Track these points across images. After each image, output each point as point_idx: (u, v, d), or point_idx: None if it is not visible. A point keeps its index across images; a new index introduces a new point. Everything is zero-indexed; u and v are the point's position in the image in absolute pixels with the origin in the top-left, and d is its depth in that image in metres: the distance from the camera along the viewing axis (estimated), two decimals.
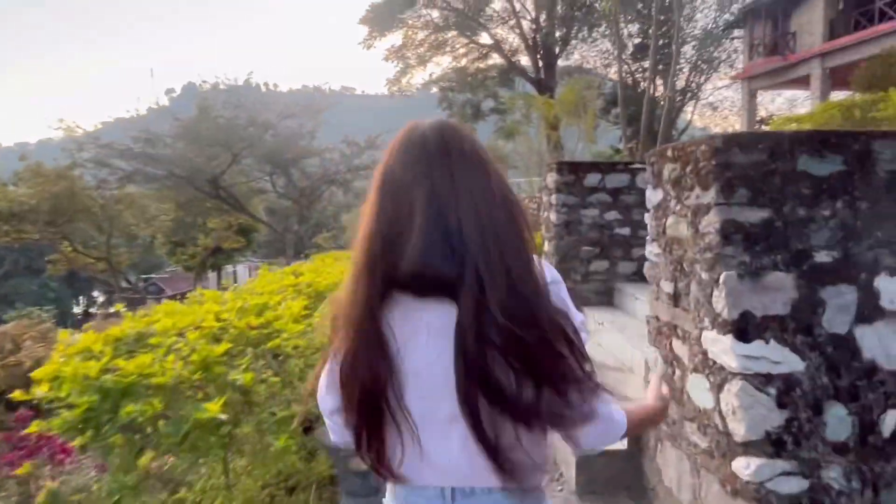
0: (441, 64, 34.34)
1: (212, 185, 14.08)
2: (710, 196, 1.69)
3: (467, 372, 0.82)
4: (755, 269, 1.61)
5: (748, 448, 1.59)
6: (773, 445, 1.57)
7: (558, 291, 0.91)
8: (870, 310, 1.59)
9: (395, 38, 26.91)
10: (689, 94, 24.14)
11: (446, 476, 0.89)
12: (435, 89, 30.64)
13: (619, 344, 3.76)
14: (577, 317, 0.92)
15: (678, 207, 1.95)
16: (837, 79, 13.96)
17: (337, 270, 6.94)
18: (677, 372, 2.06)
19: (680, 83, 22.65)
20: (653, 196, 2.22)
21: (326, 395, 0.95)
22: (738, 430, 1.59)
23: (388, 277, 0.85)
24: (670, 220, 2.01)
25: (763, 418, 1.57)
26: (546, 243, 5.05)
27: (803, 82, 15.80)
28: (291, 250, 16.87)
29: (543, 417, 0.85)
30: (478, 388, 0.82)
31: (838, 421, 1.58)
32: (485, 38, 27.72)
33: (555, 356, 0.83)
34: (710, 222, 1.69)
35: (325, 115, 16.80)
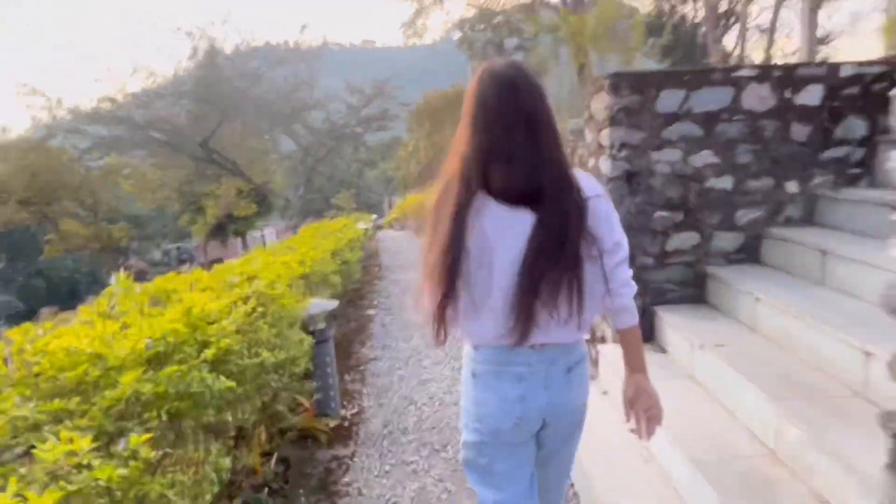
0: (459, 0, 31.55)
1: (203, 149, 12.61)
2: None
3: (537, 256, 1.20)
4: None
5: None
6: None
7: (595, 207, 1.26)
8: None
9: None
10: (733, 18, 21.40)
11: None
12: (453, 30, 28.20)
13: (742, 403, 2.07)
14: (610, 237, 1.30)
15: None
16: None
17: (326, 244, 5.42)
18: None
19: (722, 5, 19.96)
20: None
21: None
22: None
23: (482, 187, 1.22)
24: None
25: None
26: None
27: None
28: (297, 215, 15.42)
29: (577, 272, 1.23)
30: (544, 266, 1.20)
31: None
32: None
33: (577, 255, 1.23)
34: None
35: (343, 69, 15.00)
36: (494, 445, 1.38)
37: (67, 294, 40.01)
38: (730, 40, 22.28)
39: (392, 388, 3.88)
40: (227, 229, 33.54)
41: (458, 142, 1.27)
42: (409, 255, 10.84)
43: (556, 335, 1.29)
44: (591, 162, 3.20)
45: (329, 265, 4.42)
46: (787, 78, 2.85)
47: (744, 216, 2.93)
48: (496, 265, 1.23)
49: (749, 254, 2.96)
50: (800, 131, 2.87)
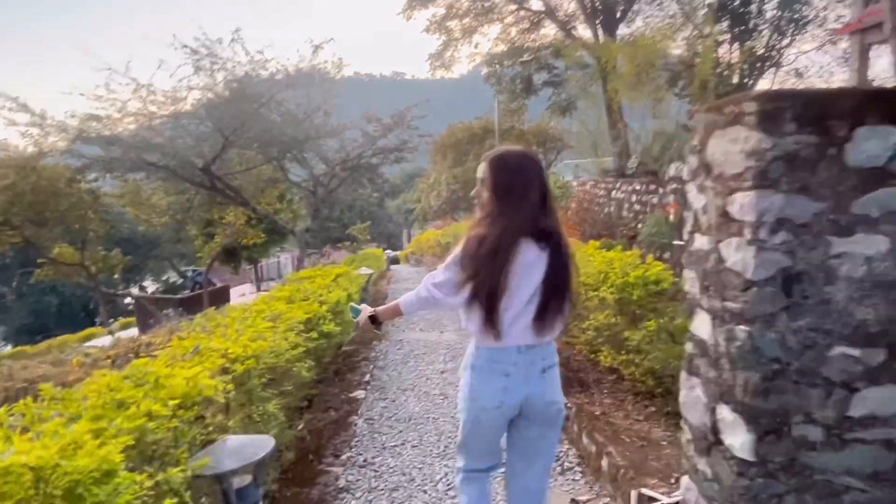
0: (488, 35, 31.12)
1: (206, 174, 11.64)
2: None
3: (553, 281, 1.87)
4: None
5: None
6: None
7: None
8: None
9: (437, 8, 24.12)
10: (768, 61, 20.26)
11: (521, 338, 1.88)
12: (481, 65, 27.71)
13: None
14: None
15: None
16: None
17: (295, 313, 4.12)
18: None
19: (759, 48, 18.89)
20: None
21: (444, 281, 1.93)
22: None
23: (517, 231, 1.83)
24: None
25: None
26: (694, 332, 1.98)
27: None
28: (313, 243, 14.28)
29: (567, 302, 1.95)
30: (553, 289, 1.88)
31: None
32: (536, 4, 24.63)
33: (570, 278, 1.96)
34: None
35: (369, 99, 14.14)
36: (479, 426, 1.97)
37: (82, 311, 39.51)
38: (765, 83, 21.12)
39: None
40: (240, 255, 32.80)
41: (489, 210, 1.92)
42: None
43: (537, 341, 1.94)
44: (703, 242, 1.88)
45: (289, 351, 3.15)
46: None
47: None
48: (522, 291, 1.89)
49: None
50: None
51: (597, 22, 22.05)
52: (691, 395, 1.95)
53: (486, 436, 1.97)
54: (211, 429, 2.11)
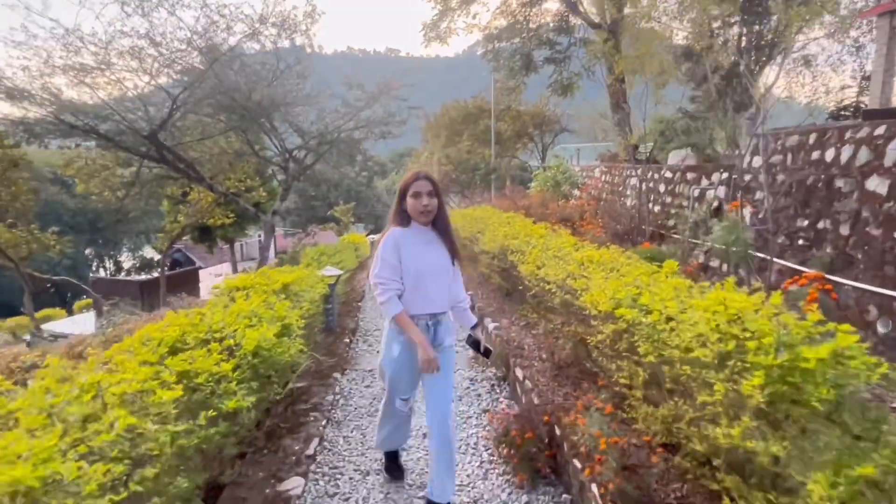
0: (488, 5, 28.95)
1: (152, 143, 9.70)
2: None
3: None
4: None
5: None
6: None
7: None
8: None
9: None
10: (776, 48, 18.58)
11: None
12: (475, 46, 25.75)
13: None
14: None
15: None
16: None
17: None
18: None
19: (767, 34, 17.21)
20: None
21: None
22: None
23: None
24: None
25: None
26: None
27: None
28: (267, 232, 12.38)
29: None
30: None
31: None
32: None
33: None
34: None
35: (364, 77, 12.19)
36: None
37: (51, 290, 37.09)
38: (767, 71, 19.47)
39: None
40: (214, 234, 30.65)
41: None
42: None
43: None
44: None
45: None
46: None
47: None
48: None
49: None
50: None
51: None
52: None
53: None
54: None
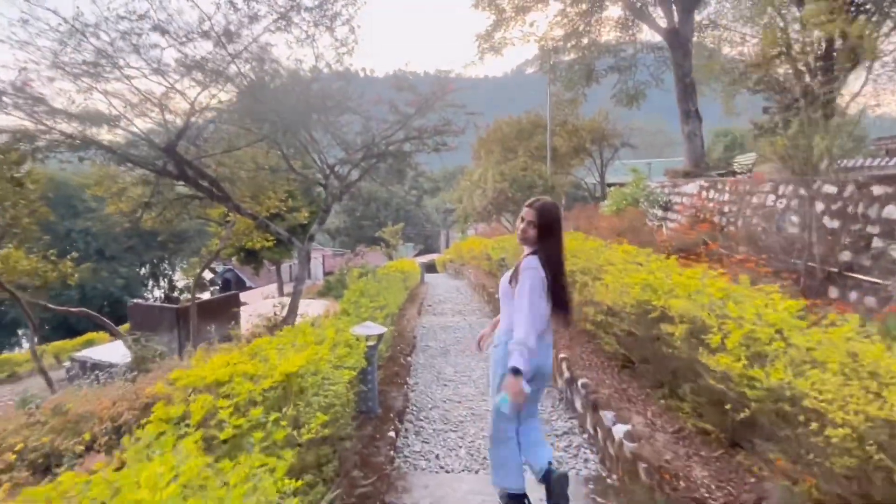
0: (545, 12, 27.33)
1: (170, 157, 8.28)
2: None
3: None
4: None
5: None
6: None
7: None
8: None
9: None
10: (862, 52, 15.65)
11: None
12: (524, 65, 23.99)
13: None
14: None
15: None
16: None
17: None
18: None
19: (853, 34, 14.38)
20: None
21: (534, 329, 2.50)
22: None
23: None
24: None
25: None
26: None
27: None
28: (302, 261, 10.68)
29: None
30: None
31: None
32: None
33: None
34: None
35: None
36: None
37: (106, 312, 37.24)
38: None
39: None
40: (259, 256, 29.69)
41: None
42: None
43: None
44: None
45: None
46: None
47: None
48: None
49: None
50: None
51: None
52: None
53: None
54: None
